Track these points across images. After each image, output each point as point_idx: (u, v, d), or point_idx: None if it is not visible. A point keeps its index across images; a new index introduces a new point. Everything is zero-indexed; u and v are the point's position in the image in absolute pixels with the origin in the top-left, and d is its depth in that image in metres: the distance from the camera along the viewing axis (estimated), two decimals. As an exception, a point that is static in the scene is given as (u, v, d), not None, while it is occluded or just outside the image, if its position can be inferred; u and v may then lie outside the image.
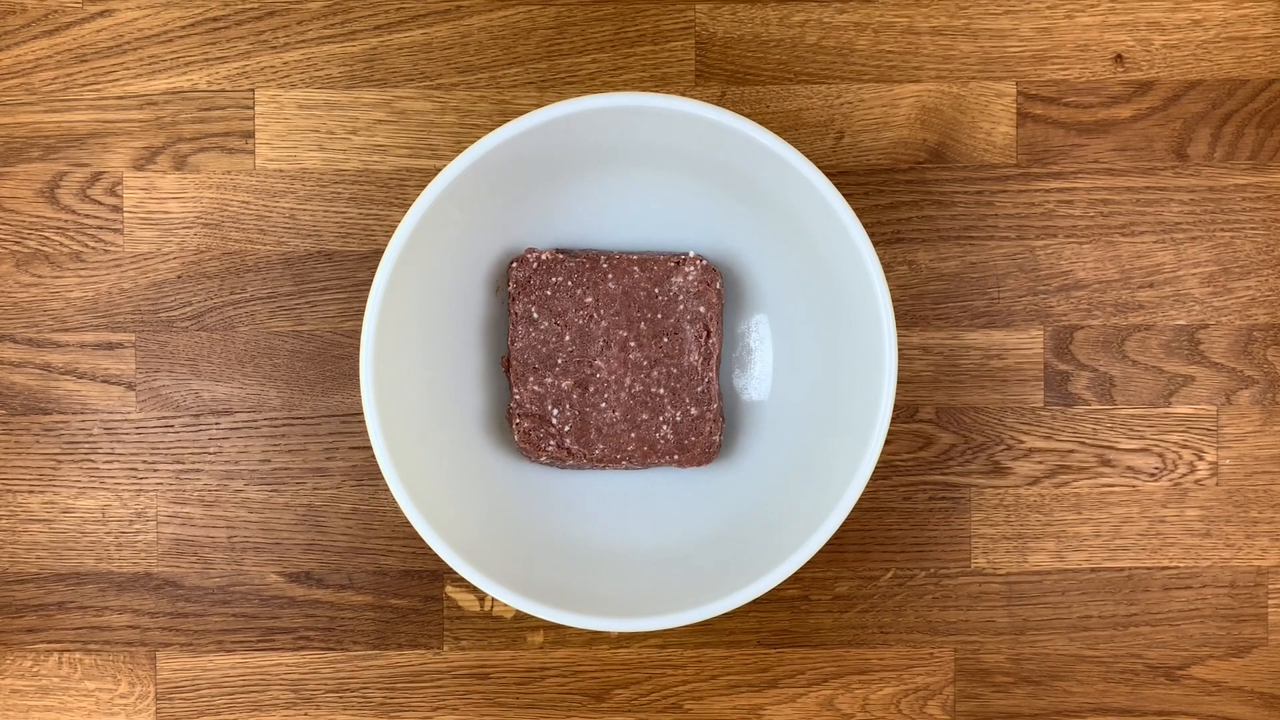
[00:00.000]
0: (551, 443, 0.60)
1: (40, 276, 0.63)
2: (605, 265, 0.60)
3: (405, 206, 0.62)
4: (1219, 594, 0.63)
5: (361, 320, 0.56)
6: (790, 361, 0.61)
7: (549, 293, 0.60)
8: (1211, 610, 0.64)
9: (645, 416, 0.60)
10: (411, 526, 0.56)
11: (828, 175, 0.54)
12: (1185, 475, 0.63)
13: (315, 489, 0.63)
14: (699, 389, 0.60)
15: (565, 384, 0.60)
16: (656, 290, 0.60)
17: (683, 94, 0.62)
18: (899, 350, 0.62)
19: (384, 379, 0.56)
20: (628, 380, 0.60)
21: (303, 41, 0.63)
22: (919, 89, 0.63)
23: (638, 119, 0.55)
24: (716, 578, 0.57)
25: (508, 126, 0.54)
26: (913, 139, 0.63)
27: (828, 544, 0.59)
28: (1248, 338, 0.63)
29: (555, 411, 0.60)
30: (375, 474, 0.63)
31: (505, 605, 0.63)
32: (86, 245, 0.63)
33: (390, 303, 0.55)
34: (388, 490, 0.62)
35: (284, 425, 0.63)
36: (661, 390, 0.60)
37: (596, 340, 0.60)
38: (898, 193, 0.63)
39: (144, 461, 0.64)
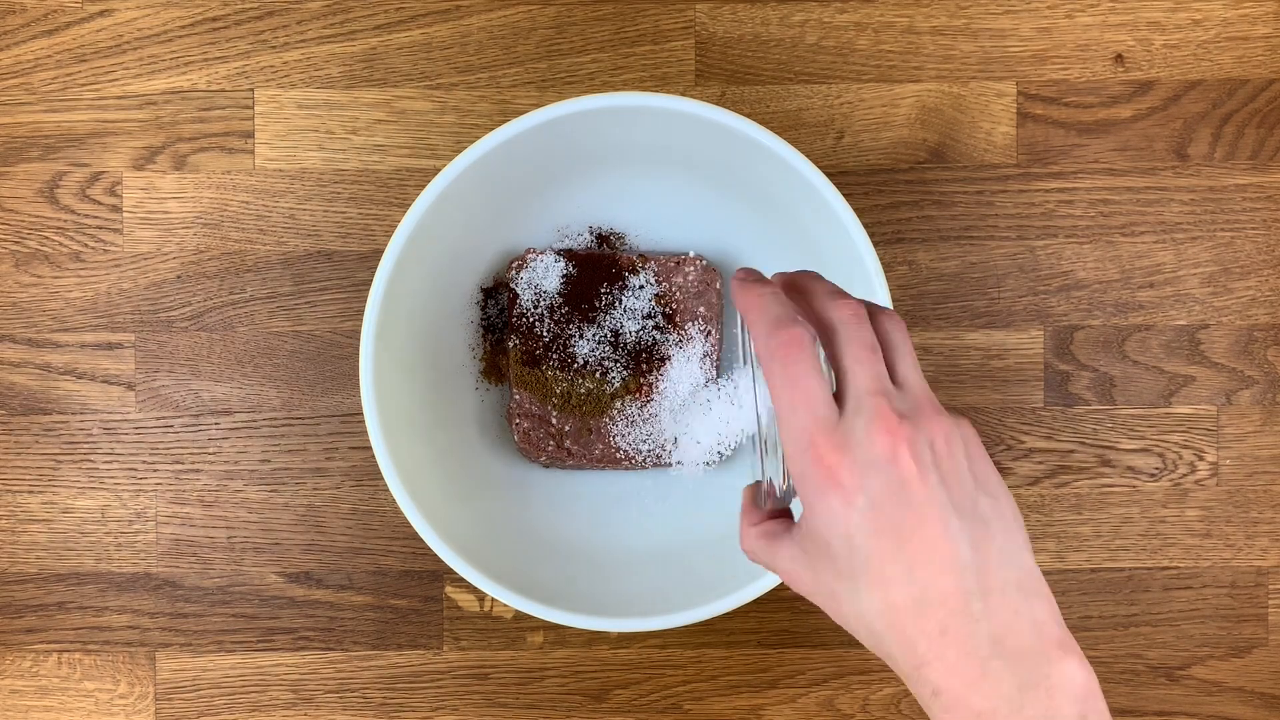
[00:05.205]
0: (551, 443, 0.60)
1: (40, 276, 0.63)
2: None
3: (405, 206, 0.62)
4: (1219, 594, 0.63)
5: (361, 320, 0.56)
6: (790, 361, 0.61)
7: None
8: (1212, 610, 0.63)
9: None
10: (411, 526, 0.56)
11: (828, 175, 0.54)
12: (1185, 475, 0.63)
13: (315, 489, 0.63)
14: (699, 389, 0.60)
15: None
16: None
17: (683, 94, 0.62)
18: (899, 350, 0.62)
19: (384, 379, 0.55)
20: (628, 380, 0.60)
21: (302, 41, 0.63)
22: (919, 89, 0.63)
23: (638, 119, 0.55)
24: (716, 578, 0.57)
25: (507, 126, 0.54)
26: (913, 139, 0.63)
27: (828, 544, 0.58)
28: (1248, 338, 0.63)
29: (555, 411, 0.60)
30: (375, 474, 0.63)
31: (505, 605, 0.63)
32: (86, 245, 0.63)
33: (390, 303, 0.55)
34: (388, 490, 0.62)
35: (284, 425, 0.63)
36: (661, 390, 0.60)
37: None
38: (898, 193, 0.63)
39: (144, 462, 0.64)
